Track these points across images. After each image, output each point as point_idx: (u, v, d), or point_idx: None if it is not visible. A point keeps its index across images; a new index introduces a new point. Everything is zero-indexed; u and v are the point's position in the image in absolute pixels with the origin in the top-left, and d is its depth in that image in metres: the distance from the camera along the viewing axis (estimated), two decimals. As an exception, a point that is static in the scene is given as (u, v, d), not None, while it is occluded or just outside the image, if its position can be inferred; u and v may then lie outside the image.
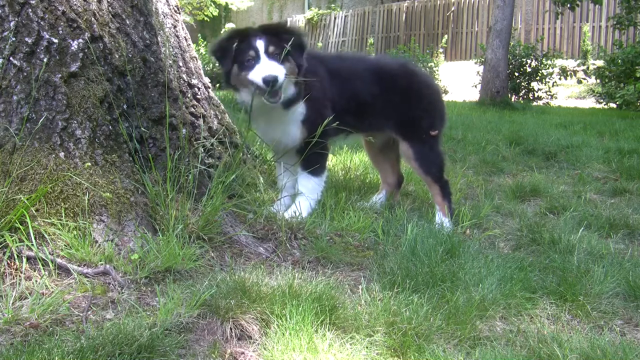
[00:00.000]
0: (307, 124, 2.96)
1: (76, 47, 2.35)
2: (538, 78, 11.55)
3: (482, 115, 8.23)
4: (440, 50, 16.92)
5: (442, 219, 3.12)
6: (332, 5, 21.57)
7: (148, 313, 1.92)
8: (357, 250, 2.65)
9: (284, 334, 1.82)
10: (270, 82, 2.66)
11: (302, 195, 3.01)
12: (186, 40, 3.25)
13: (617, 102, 10.15)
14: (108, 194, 2.25)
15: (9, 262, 2.03)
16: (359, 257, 2.59)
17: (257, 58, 2.74)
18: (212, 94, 3.38)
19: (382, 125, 3.22)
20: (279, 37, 2.79)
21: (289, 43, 2.73)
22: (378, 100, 3.13)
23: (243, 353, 1.81)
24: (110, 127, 2.40)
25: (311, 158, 2.95)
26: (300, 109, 2.95)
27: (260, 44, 2.75)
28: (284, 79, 2.73)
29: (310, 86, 2.92)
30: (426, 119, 3.21)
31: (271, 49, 2.75)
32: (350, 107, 3.08)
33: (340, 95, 3.05)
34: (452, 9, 17.80)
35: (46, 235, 2.12)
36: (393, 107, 3.16)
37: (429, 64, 12.68)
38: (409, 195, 3.70)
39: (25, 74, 2.26)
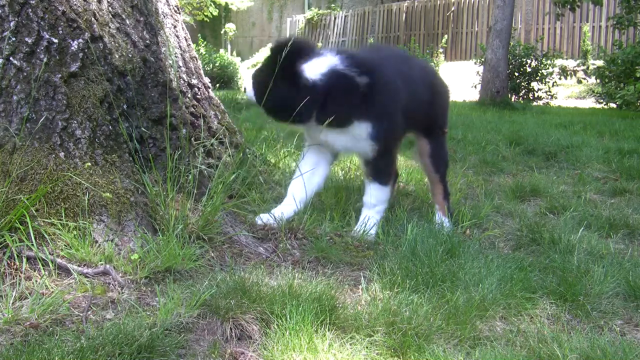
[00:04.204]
0: (375, 139, 2.78)
1: (76, 47, 2.35)
2: (538, 78, 11.54)
3: (482, 115, 8.22)
4: (440, 50, 16.92)
5: (441, 218, 3.13)
6: (332, 5, 21.56)
7: (148, 313, 1.91)
8: (357, 250, 2.64)
9: (284, 334, 1.82)
10: None
11: (371, 207, 2.88)
12: (186, 40, 3.25)
13: (617, 102, 10.13)
14: (108, 194, 2.25)
15: (9, 262, 2.03)
16: (359, 257, 2.58)
17: None
18: (212, 94, 3.38)
19: (419, 124, 3.16)
20: None
21: None
22: (428, 99, 3.13)
23: (243, 353, 1.81)
24: (110, 127, 2.40)
25: (381, 165, 2.87)
26: (363, 124, 2.76)
27: None
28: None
29: (376, 94, 2.77)
30: (442, 117, 3.28)
31: None
32: (418, 107, 3.02)
33: (412, 96, 2.96)
34: (452, 9, 17.79)
35: (46, 235, 2.11)
36: (427, 105, 3.14)
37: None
38: (409, 195, 3.70)
39: (25, 74, 2.26)
